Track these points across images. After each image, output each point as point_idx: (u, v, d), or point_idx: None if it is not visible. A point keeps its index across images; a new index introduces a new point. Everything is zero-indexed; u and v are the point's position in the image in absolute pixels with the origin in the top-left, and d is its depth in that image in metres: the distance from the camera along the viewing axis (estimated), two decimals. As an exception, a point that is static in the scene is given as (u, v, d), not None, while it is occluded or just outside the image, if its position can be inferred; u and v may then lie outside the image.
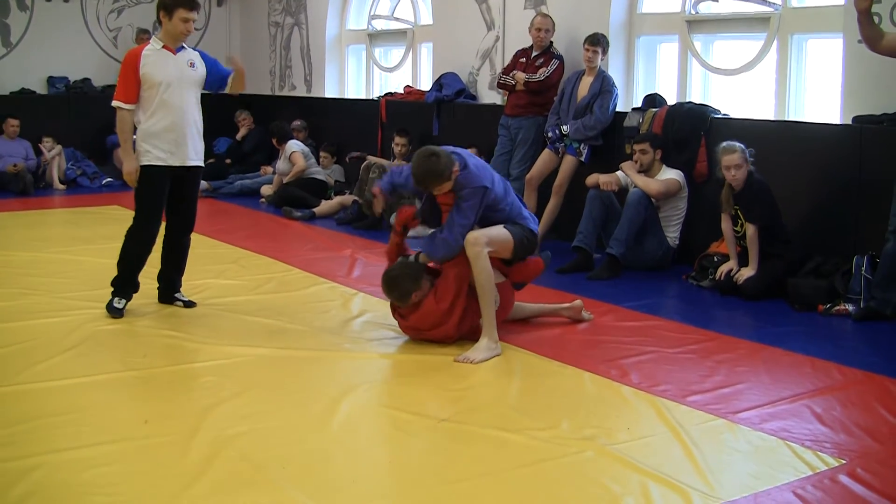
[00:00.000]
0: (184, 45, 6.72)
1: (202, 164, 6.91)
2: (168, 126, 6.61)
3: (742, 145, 7.29)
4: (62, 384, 5.23)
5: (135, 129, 6.66)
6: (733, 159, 7.27)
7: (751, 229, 7.27)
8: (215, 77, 6.91)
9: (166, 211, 6.89)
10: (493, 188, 5.97)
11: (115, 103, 6.64)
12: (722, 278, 7.39)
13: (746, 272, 7.30)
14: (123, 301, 6.75)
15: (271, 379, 5.41)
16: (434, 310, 5.90)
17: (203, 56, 6.87)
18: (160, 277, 7.08)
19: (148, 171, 6.66)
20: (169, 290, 7.05)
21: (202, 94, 6.91)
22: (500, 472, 4.16)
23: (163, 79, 6.55)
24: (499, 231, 5.99)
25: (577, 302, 6.65)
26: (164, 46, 6.62)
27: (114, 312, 6.66)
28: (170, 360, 5.68)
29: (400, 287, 5.98)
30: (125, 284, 6.80)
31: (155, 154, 6.62)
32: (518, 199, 6.28)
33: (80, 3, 14.90)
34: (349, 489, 3.99)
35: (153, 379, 5.37)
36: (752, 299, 7.19)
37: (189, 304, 6.96)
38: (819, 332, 6.47)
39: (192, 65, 6.70)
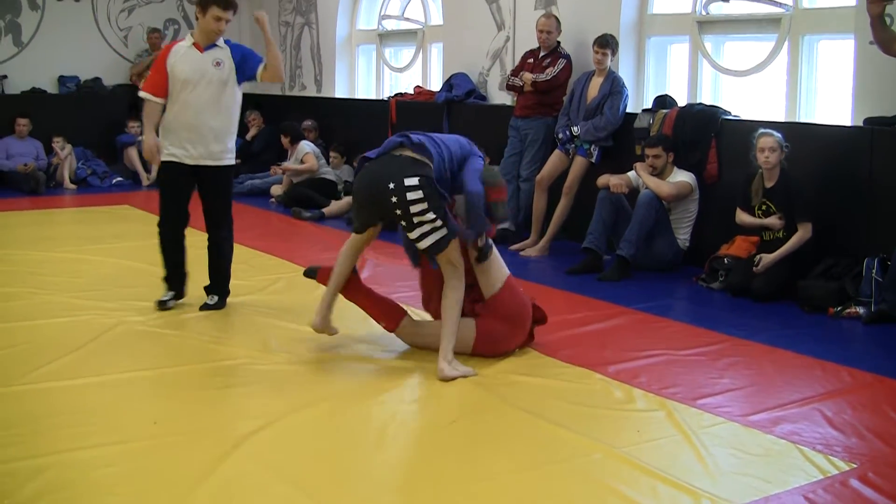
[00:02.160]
0: (216, 42, 6.70)
1: (219, 165, 6.79)
2: (184, 124, 6.65)
3: (781, 136, 7.28)
4: (71, 384, 5.24)
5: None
6: (768, 142, 7.27)
7: (801, 230, 7.26)
8: (248, 67, 6.81)
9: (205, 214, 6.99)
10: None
11: (141, 94, 6.78)
12: (756, 265, 7.33)
13: (766, 259, 7.27)
14: (169, 293, 6.90)
15: (281, 380, 5.40)
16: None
17: (235, 49, 6.80)
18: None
19: (164, 167, 6.77)
20: (208, 287, 7.05)
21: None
22: (508, 474, 4.16)
23: (185, 77, 6.60)
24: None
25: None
26: (194, 44, 6.67)
27: (158, 305, 6.84)
28: (179, 361, 5.67)
29: None
30: (167, 278, 6.97)
31: (171, 150, 6.70)
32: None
33: (90, 2, 14.94)
34: (359, 490, 3.99)
35: (162, 379, 5.38)
36: (762, 301, 7.17)
37: (206, 307, 6.90)
38: (829, 334, 6.45)
39: (219, 64, 6.67)
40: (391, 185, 5.35)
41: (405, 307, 6.09)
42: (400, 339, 6.03)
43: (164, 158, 6.72)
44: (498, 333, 5.78)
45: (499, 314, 5.78)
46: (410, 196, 5.34)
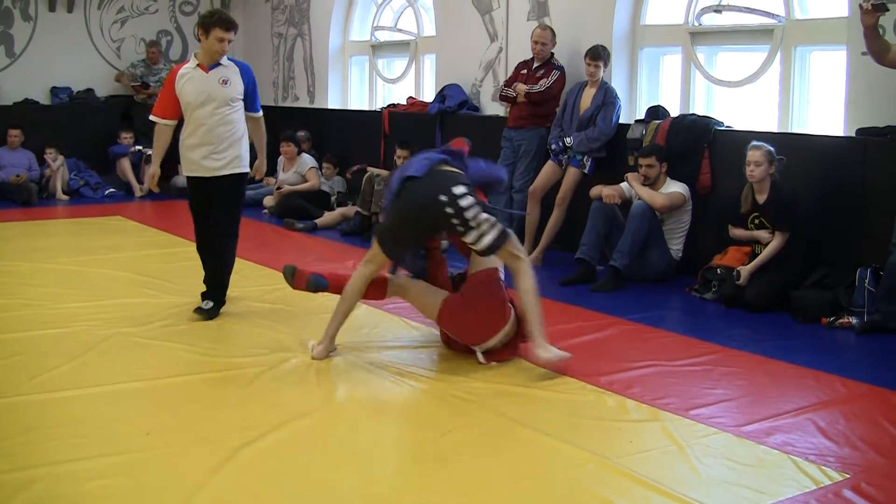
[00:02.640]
0: (221, 62, 6.91)
1: (233, 173, 7.02)
2: (198, 142, 6.93)
3: (771, 147, 7.29)
4: (63, 395, 5.22)
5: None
6: (755, 155, 7.29)
7: (778, 237, 7.26)
8: (249, 102, 7.12)
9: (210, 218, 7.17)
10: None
11: (152, 117, 7.09)
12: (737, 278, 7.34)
13: (744, 271, 7.29)
14: (210, 303, 7.03)
15: (273, 391, 5.39)
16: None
17: (245, 73, 7.07)
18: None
19: (190, 183, 7.13)
20: (205, 293, 7.17)
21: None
22: (501, 486, 4.15)
23: (193, 98, 6.86)
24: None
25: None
26: (198, 65, 6.90)
27: (199, 312, 6.99)
28: (172, 372, 5.66)
29: None
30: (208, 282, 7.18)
31: (188, 167, 7.05)
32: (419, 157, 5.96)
33: (83, 13, 14.93)
34: (351, 503, 3.98)
35: (155, 390, 5.36)
36: (755, 312, 7.17)
37: (199, 311, 6.99)
38: (823, 344, 6.45)
39: (225, 82, 6.90)
40: (443, 198, 5.58)
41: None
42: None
43: (187, 174, 7.09)
44: (462, 307, 5.89)
45: (470, 290, 5.94)
46: (463, 203, 5.58)
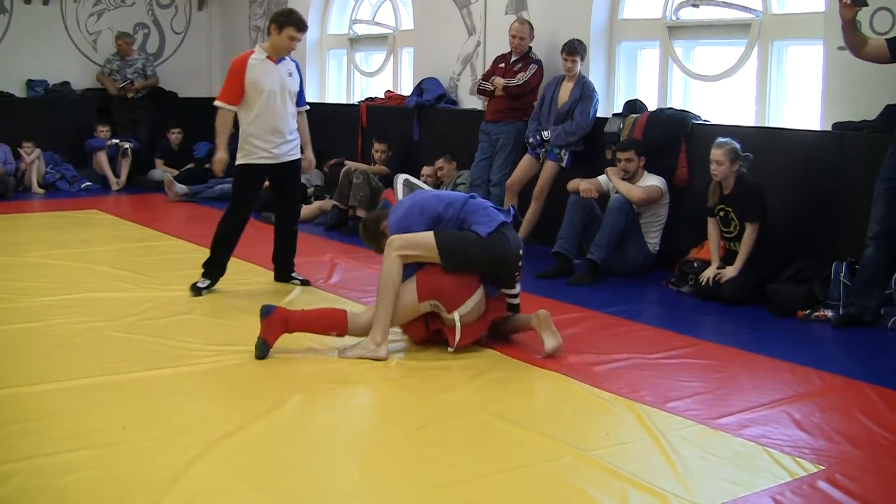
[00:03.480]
0: (285, 56, 7.38)
1: (296, 159, 7.58)
2: (269, 129, 7.34)
3: (736, 145, 7.30)
4: (39, 389, 5.19)
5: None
6: (717, 154, 7.31)
7: (749, 229, 7.27)
8: (299, 97, 7.57)
9: (277, 204, 7.95)
10: (418, 221, 6.05)
11: (217, 103, 7.43)
12: (709, 284, 7.37)
13: (729, 272, 7.31)
14: (207, 282, 7.46)
15: (249, 384, 5.39)
16: None
17: (298, 70, 7.59)
18: (275, 260, 7.97)
19: (247, 169, 7.44)
20: (284, 271, 7.88)
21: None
22: (478, 479, 4.15)
23: (267, 87, 7.26)
24: (420, 236, 5.96)
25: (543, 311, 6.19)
26: (267, 57, 7.30)
27: (194, 291, 7.36)
28: (148, 365, 5.63)
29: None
30: (211, 267, 7.51)
31: (256, 154, 7.37)
32: (483, 207, 6.14)
33: (59, 6, 14.82)
34: (327, 497, 3.98)
35: (131, 384, 5.33)
36: (732, 305, 7.20)
37: (305, 283, 7.76)
38: (798, 337, 6.48)
39: (291, 74, 7.41)
40: (521, 252, 6.14)
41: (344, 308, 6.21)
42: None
43: (247, 161, 7.40)
44: (438, 272, 5.94)
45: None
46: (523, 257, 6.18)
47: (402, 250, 5.88)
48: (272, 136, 7.35)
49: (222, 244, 7.54)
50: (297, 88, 7.49)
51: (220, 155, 7.53)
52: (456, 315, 5.92)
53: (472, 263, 5.96)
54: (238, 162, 7.46)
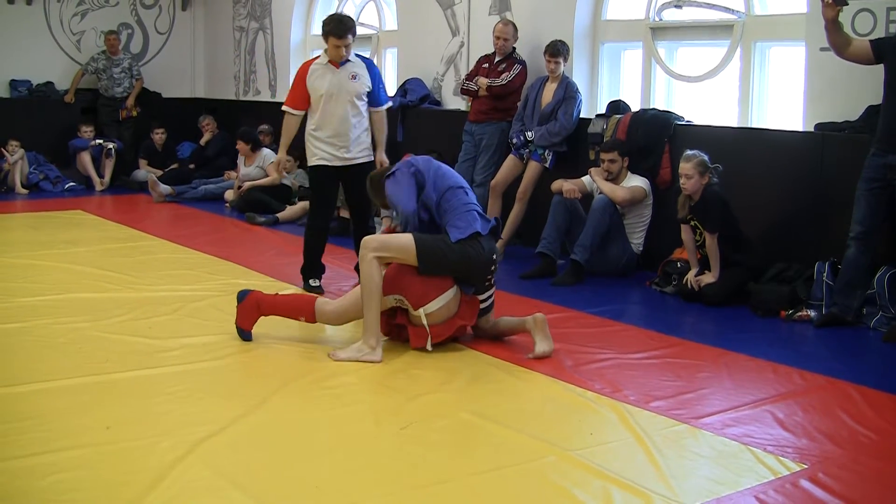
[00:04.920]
0: (349, 58, 7.47)
1: (364, 162, 7.63)
2: (330, 132, 7.50)
3: (704, 157, 7.32)
4: (22, 390, 5.17)
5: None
6: (685, 168, 7.34)
7: (709, 238, 7.31)
8: (374, 98, 7.66)
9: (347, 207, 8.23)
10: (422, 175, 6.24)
11: (283, 108, 7.71)
12: (693, 287, 7.39)
13: (707, 278, 7.35)
14: (316, 280, 7.74)
15: (234, 385, 5.39)
16: None
17: (372, 68, 7.69)
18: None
19: (315, 171, 7.69)
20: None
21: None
22: (462, 478, 4.15)
23: (324, 91, 7.43)
24: (398, 238, 6.02)
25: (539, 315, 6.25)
26: (329, 61, 7.46)
27: (314, 291, 7.54)
28: (132, 365, 5.62)
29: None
30: (309, 269, 7.76)
31: (320, 156, 7.57)
32: (466, 208, 6.16)
33: (43, 6, 14.78)
34: (311, 496, 3.98)
35: (115, 384, 5.32)
36: (714, 305, 7.22)
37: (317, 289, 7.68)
38: (781, 337, 6.51)
39: (354, 77, 7.49)
40: (495, 256, 6.18)
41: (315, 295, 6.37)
42: (327, 324, 6.32)
43: (314, 163, 7.62)
44: (408, 269, 5.99)
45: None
46: (495, 266, 6.21)
47: (377, 252, 5.91)
48: (333, 138, 7.50)
49: (309, 249, 7.77)
50: (364, 90, 7.54)
51: (280, 156, 7.87)
52: (422, 312, 5.95)
53: (445, 268, 5.99)
54: (308, 164, 7.75)
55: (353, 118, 7.50)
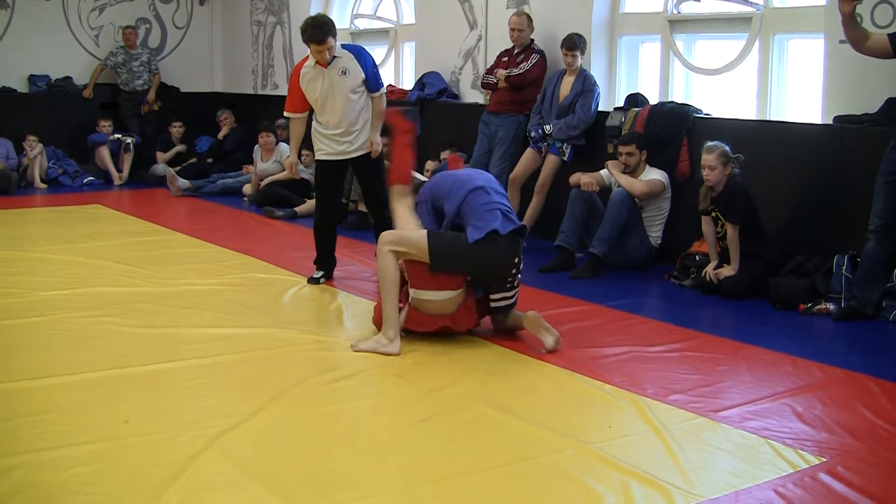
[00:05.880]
0: (336, 54, 7.43)
1: (367, 153, 7.69)
2: (333, 128, 7.57)
3: (726, 147, 7.29)
4: (42, 384, 5.20)
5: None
6: (708, 159, 7.31)
7: (730, 230, 7.29)
8: (370, 83, 7.61)
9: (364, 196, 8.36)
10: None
11: (285, 113, 7.82)
12: (712, 280, 7.37)
13: (726, 271, 7.33)
14: (320, 272, 7.79)
15: (253, 378, 5.39)
16: None
17: (362, 58, 7.57)
18: None
19: (319, 165, 7.82)
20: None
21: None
22: (480, 471, 4.16)
23: (317, 94, 7.49)
24: (412, 234, 6.03)
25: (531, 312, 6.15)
26: (317, 63, 7.45)
27: (311, 281, 7.72)
28: (151, 359, 5.65)
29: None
30: (319, 260, 7.86)
31: (325, 150, 7.67)
32: (486, 207, 6.07)
33: (61, 1, 14.81)
34: (330, 490, 3.98)
35: (134, 378, 5.35)
36: (733, 298, 7.20)
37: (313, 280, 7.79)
38: (800, 331, 6.49)
39: (344, 72, 7.47)
40: (517, 259, 6.08)
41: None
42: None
43: (318, 157, 7.74)
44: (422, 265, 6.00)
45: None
46: (520, 265, 6.13)
47: (393, 245, 5.95)
48: (336, 134, 7.57)
49: (319, 240, 7.87)
50: (357, 82, 7.50)
51: (291, 158, 7.98)
52: (411, 292, 6.02)
53: (458, 267, 5.99)
54: (315, 158, 7.87)
55: (352, 112, 7.53)
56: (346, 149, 7.60)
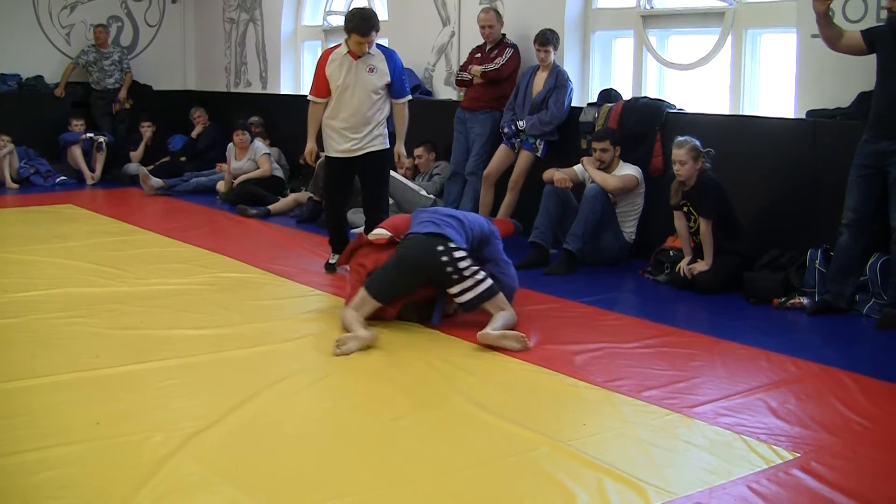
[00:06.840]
0: (369, 51, 7.51)
1: (375, 150, 7.70)
2: (343, 122, 7.60)
3: (696, 142, 7.31)
4: (13, 386, 5.15)
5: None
6: (678, 154, 7.32)
7: (703, 224, 7.30)
8: (395, 89, 7.69)
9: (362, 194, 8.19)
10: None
11: (308, 97, 7.77)
12: (685, 275, 7.38)
13: (700, 266, 7.34)
14: (336, 255, 7.82)
15: (226, 379, 5.36)
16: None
17: (392, 60, 7.67)
18: None
19: (327, 160, 7.88)
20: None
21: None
22: (454, 471, 4.15)
23: (340, 82, 7.51)
24: (357, 297, 6.27)
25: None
26: (348, 52, 7.52)
27: (327, 268, 7.97)
28: (122, 361, 5.60)
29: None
30: (332, 244, 8.02)
31: (332, 146, 7.73)
32: (419, 219, 6.47)
33: (31, -1, 14.75)
34: (303, 490, 3.96)
35: (105, 380, 5.30)
36: (707, 293, 7.21)
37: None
38: (774, 325, 6.51)
39: (372, 70, 7.54)
40: (440, 248, 6.11)
41: None
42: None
43: (328, 154, 7.79)
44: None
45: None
46: (457, 255, 6.12)
47: (353, 310, 6.20)
48: (345, 129, 7.60)
49: (331, 231, 8.03)
50: (382, 83, 7.57)
51: (310, 146, 7.89)
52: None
53: (395, 281, 6.23)
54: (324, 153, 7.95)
55: (369, 111, 7.56)
56: (353, 146, 7.62)
